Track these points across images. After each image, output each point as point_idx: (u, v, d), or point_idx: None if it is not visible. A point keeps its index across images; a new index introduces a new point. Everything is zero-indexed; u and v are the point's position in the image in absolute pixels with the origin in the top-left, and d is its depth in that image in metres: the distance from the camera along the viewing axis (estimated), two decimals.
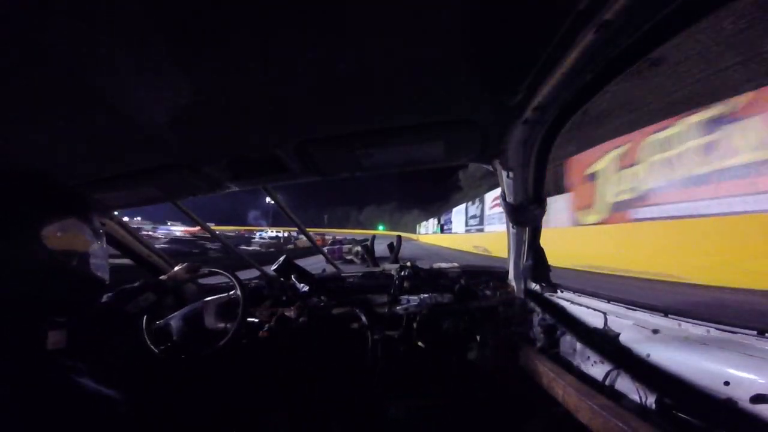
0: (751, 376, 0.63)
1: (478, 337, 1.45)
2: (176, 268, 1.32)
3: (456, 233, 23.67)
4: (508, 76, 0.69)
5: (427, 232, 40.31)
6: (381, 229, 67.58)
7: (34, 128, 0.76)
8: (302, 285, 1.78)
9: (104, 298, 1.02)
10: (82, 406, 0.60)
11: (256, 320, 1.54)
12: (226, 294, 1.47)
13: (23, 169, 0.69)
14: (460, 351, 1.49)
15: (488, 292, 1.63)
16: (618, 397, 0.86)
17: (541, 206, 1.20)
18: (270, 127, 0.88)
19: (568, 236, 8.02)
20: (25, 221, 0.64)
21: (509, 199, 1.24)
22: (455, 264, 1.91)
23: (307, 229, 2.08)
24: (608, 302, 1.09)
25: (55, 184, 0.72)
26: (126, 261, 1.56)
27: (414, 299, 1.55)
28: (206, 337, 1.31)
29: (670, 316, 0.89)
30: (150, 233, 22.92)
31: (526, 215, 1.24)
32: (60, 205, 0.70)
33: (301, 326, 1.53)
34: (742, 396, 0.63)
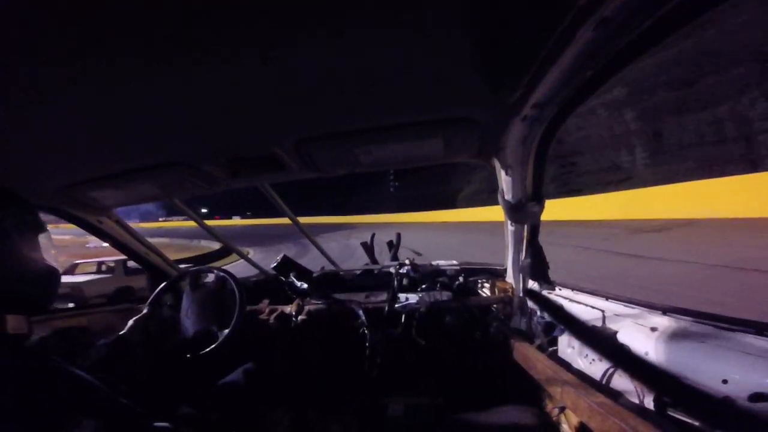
0: (750, 375, 0.64)
1: (476, 335, 1.45)
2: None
3: None
4: (507, 73, 0.69)
5: None
6: None
7: (32, 126, 0.75)
8: (301, 283, 1.78)
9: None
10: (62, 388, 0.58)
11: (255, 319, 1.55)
12: (224, 293, 1.46)
13: None
14: (458, 349, 1.50)
15: (487, 290, 1.63)
16: (616, 395, 0.86)
17: (540, 204, 1.20)
18: (269, 126, 0.88)
19: None
20: None
21: (508, 196, 1.23)
22: (454, 261, 1.91)
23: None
24: (606, 300, 1.09)
25: None
26: None
27: (413, 297, 1.55)
28: (203, 337, 1.31)
29: (668, 314, 0.89)
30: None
31: (524, 213, 1.23)
32: None
33: (300, 324, 1.53)
34: (740, 394, 0.63)
